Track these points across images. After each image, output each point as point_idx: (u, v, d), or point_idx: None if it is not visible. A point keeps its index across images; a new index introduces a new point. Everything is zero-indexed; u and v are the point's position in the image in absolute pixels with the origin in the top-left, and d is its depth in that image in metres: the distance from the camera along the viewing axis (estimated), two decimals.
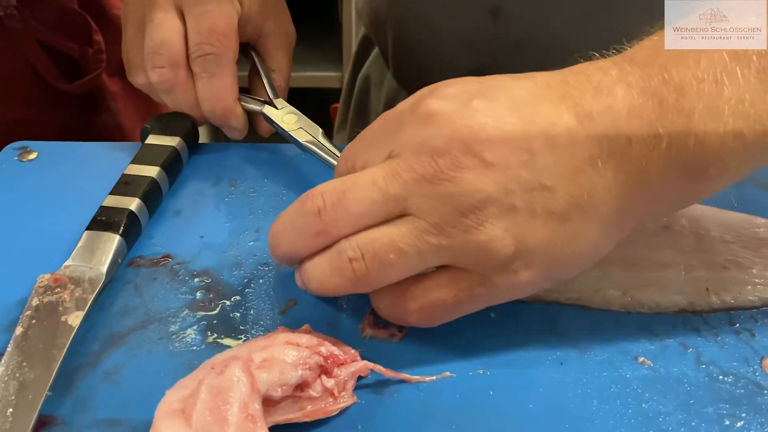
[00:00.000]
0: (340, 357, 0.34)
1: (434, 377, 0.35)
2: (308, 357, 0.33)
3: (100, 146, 0.52)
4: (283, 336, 0.34)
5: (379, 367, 0.34)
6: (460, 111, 0.33)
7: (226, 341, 0.37)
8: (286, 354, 0.32)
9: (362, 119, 0.77)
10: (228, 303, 0.39)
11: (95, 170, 0.49)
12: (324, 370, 0.33)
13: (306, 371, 0.32)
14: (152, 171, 0.45)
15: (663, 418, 0.33)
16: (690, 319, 0.38)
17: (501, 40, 0.56)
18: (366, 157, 0.36)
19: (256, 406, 0.29)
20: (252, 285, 0.40)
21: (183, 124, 0.49)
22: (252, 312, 0.38)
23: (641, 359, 0.36)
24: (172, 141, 0.48)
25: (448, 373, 0.35)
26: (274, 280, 0.40)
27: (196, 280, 0.40)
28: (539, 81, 0.34)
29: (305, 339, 0.34)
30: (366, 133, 0.37)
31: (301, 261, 0.36)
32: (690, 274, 0.39)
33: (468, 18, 0.56)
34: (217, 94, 0.48)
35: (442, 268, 0.34)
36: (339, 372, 0.33)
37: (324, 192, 0.34)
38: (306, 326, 0.36)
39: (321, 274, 0.35)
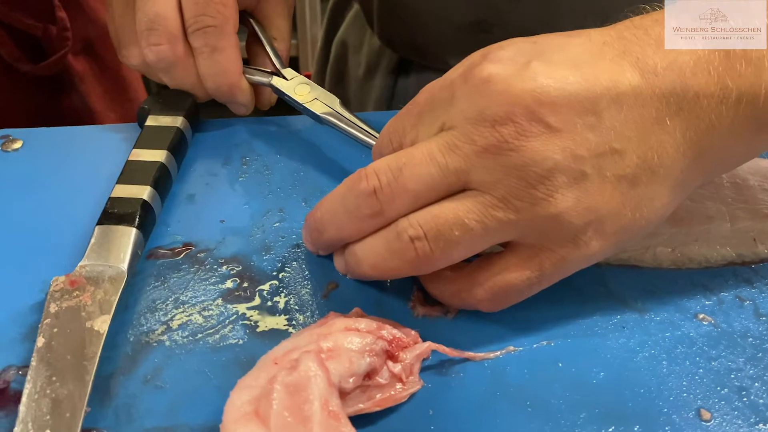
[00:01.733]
0: (404, 339, 0.32)
1: (498, 353, 0.33)
2: (372, 342, 0.31)
3: (91, 130, 0.48)
4: (340, 322, 0.32)
5: (443, 347, 0.32)
6: (519, 74, 0.30)
7: (272, 332, 0.34)
8: (350, 341, 0.30)
9: (341, 87, 0.74)
10: (265, 290, 0.37)
11: (90, 157, 0.46)
12: (389, 355, 0.31)
13: (373, 358, 0.30)
14: (159, 155, 0.42)
15: (735, 375, 0.33)
16: (740, 272, 0.38)
17: None
18: (415, 132, 0.33)
19: (336, 401, 0.27)
20: (287, 269, 0.38)
21: (183, 101, 0.46)
22: (293, 298, 0.36)
23: (701, 316, 0.35)
24: (175, 121, 0.44)
25: (512, 348, 0.34)
26: (309, 262, 0.38)
27: (225, 268, 0.38)
28: (594, 38, 0.32)
29: (363, 323, 0.32)
30: (411, 107, 0.34)
31: (347, 245, 0.34)
32: (735, 226, 0.39)
33: None
34: (221, 69, 0.45)
35: (507, 248, 0.33)
36: (404, 356, 0.31)
37: (378, 170, 0.32)
38: (357, 309, 0.34)
39: (376, 256, 0.33)
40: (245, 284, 0.37)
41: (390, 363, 0.31)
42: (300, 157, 0.45)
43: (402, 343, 0.32)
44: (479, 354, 0.33)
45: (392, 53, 0.67)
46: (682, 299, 0.36)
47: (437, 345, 0.32)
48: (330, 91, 0.45)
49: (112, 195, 0.39)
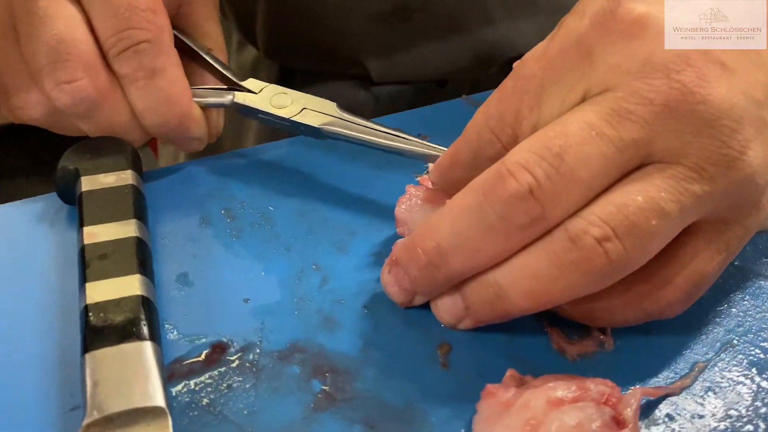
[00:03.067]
0: (612, 395, 0.24)
1: (691, 376, 0.27)
2: (594, 413, 0.22)
3: None
4: (537, 396, 0.23)
5: (648, 390, 0.25)
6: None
7: None
8: (567, 420, 0.22)
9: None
10: (360, 379, 0.26)
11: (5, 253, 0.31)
12: (616, 421, 0.23)
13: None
14: (129, 228, 0.29)
15: None
16: None
17: None
18: (537, 113, 0.25)
19: None
20: (373, 343, 0.27)
21: (120, 148, 0.33)
22: (405, 383, 0.26)
23: None
24: (125, 178, 0.31)
25: (700, 364, 0.27)
26: (397, 325, 0.28)
27: (292, 364, 0.27)
28: None
29: (560, 390, 0.23)
30: (518, 85, 0.26)
31: (464, 282, 0.26)
32: None
33: None
34: (164, 97, 0.32)
35: (686, 231, 0.26)
36: (626, 415, 0.23)
37: (525, 162, 0.24)
38: (511, 372, 0.25)
39: (535, 279, 0.24)
40: (330, 380, 0.26)
41: None
42: (297, 193, 0.34)
43: (613, 400, 0.23)
44: (676, 384, 0.26)
45: (271, 65, 0.58)
46: None
47: (644, 389, 0.25)
48: None
49: (87, 302, 0.26)
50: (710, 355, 0.27)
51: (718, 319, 0.29)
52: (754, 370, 0.27)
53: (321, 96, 0.35)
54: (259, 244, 0.32)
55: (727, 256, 0.26)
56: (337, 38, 0.53)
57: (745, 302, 0.29)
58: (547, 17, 0.55)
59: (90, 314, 0.25)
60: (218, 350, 0.27)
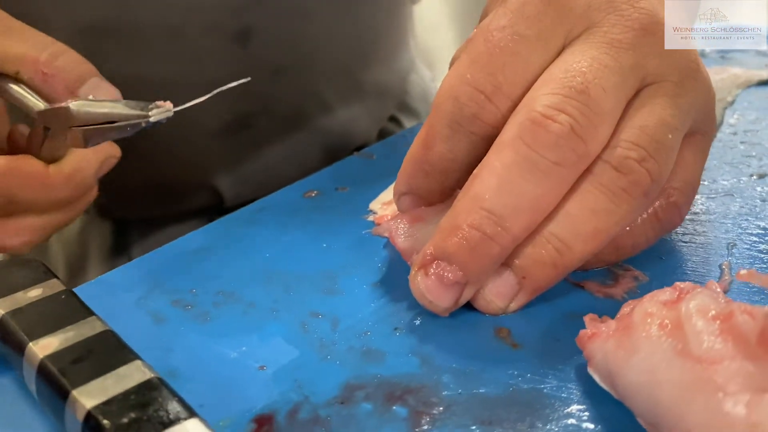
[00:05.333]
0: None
1: (726, 274, 0.27)
2: (710, 293, 0.21)
3: None
4: (650, 305, 0.21)
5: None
6: None
7: None
8: (696, 302, 0.20)
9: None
10: (448, 392, 0.22)
11: None
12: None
13: None
14: (94, 325, 0.22)
15: None
16: None
17: (255, 67, 0.47)
18: (523, 62, 0.25)
19: None
20: (430, 355, 0.24)
21: (29, 264, 0.26)
22: (493, 374, 0.23)
23: None
24: (53, 286, 0.25)
25: (725, 263, 0.27)
26: (437, 333, 0.25)
27: (362, 404, 0.22)
28: None
29: (662, 295, 0.22)
30: (488, 43, 0.25)
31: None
32: None
33: (214, 50, 0.45)
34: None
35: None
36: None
37: (556, 105, 0.24)
38: (590, 315, 0.23)
39: (597, 216, 0.24)
40: (412, 399, 0.22)
41: None
42: (251, 266, 0.30)
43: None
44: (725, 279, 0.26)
45: (103, 224, 0.53)
46: None
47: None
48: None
49: (88, 407, 0.19)
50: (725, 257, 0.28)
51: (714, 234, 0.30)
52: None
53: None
54: (237, 317, 0.27)
55: (704, 162, 0.28)
56: (181, 166, 0.50)
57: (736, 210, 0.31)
58: (374, 101, 0.57)
59: (100, 418, 0.19)
60: (265, 422, 0.21)
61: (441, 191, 0.28)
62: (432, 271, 0.24)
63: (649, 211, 0.26)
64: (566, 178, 0.24)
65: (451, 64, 0.27)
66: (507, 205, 0.23)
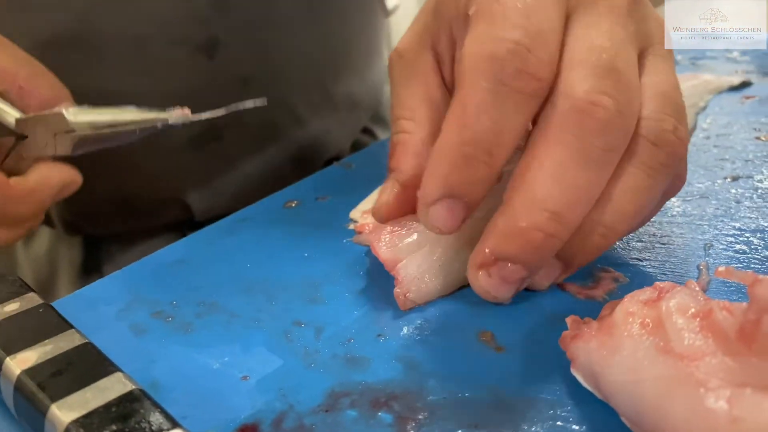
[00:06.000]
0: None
1: (704, 274, 0.27)
2: (689, 292, 0.21)
3: None
4: (630, 305, 0.21)
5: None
6: None
7: None
8: (676, 300, 0.21)
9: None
10: (433, 396, 0.22)
11: None
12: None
13: None
14: (74, 338, 0.22)
15: None
16: None
17: (223, 79, 0.47)
18: (544, 11, 0.24)
19: None
20: (414, 360, 0.24)
21: (3, 277, 0.26)
22: (478, 377, 0.23)
23: None
24: (30, 300, 0.24)
25: (703, 263, 0.28)
26: (421, 338, 0.25)
27: (347, 411, 0.22)
28: None
29: (641, 295, 0.22)
30: (495, 14, 0.24)
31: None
32: None
33: (180, 62, 0.45)
34: None
35: None
36: None
37: (594, 88, 0.23)
38: (572, 317, 0.23)
39: (638, 195, 0.25)
40: (397, 405, 0.22)
41: None
42: (230, 278, 0.29)
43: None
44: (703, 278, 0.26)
45: (71, 240, 0.52)
46: None
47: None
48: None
49: (67, 421, 0.19)
50: (702, 257, 0.28)
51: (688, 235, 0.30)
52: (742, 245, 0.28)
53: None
54: (220, 327, 0.26)
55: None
56: (150, 181, 0.49)
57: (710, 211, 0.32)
58: (348, 112, 0.57)
59: (80, 431, 0.18)
60: (250, 431, 0.21)
61: (489, 181, 0.24)
62: (495, 272, 0.24)
63: None
64: (614, 162, 0.24)
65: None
66: (564, 201, 0.23)
